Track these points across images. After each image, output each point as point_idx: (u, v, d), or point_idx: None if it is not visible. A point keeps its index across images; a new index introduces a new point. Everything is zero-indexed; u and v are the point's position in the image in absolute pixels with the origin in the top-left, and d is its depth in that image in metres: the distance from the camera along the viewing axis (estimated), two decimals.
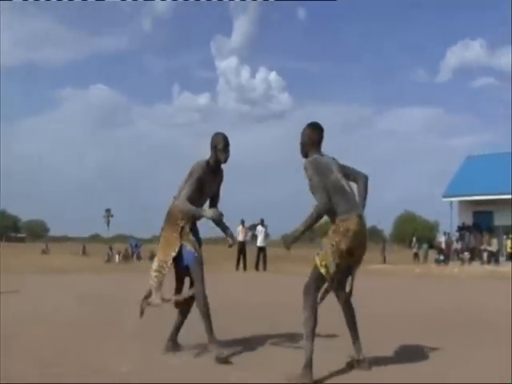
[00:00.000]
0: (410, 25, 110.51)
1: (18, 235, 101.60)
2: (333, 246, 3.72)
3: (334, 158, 4.05)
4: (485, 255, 26.77)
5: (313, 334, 3.69)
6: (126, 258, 27.91)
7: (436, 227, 67.79)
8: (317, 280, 3.75)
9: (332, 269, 3.72)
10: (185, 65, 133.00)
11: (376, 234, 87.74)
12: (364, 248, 3.89)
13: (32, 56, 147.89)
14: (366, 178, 4.10)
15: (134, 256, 28.86)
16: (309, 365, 3.61)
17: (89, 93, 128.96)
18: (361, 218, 3.82)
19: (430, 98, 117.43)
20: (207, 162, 4.45)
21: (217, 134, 4.52)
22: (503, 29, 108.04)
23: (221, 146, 4.44)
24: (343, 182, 3.90)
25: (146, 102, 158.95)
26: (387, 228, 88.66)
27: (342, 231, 3.73)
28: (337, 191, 3.82)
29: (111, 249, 28.53)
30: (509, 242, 27.22)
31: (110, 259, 26.86)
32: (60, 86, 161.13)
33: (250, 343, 4.88)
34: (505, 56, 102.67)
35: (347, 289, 4.00)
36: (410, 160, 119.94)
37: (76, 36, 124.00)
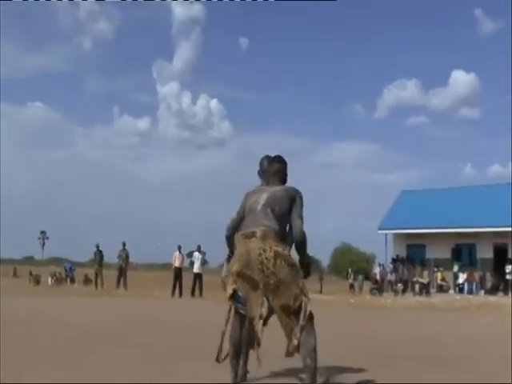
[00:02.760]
0: (350, 60, 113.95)
1: None
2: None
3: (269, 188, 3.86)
4: (417, 287, 27.67)
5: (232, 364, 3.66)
6: (60, 281, 27.22)
7: (372, 259, 69.36)
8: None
9: (228, 292, 3.58)
10: (125, 88, 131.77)
11: (315, 264, 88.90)
12: (258, 272, 3.40)
13: None
14: (297, 234, 3.65)
15: (68, 279, 28.17)
16: None
17: (25, 111, 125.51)
18: (246, 237, 3.49)
19: (367, 133, 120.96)
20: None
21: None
22: (436, 69, 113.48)
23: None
24: (259, 205, 3.64)
25: (84, 123, 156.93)
26: (325, 259, 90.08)
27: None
28: (247, 213, 3.71)
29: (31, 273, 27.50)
30: (439, 274, 28.30)
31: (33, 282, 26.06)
32: None
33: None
34: (436, 96, 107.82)
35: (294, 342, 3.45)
36: (347, 193, 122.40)
37: (15, 52, 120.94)
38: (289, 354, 3.51)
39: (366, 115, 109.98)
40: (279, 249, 3.39)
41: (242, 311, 3.58)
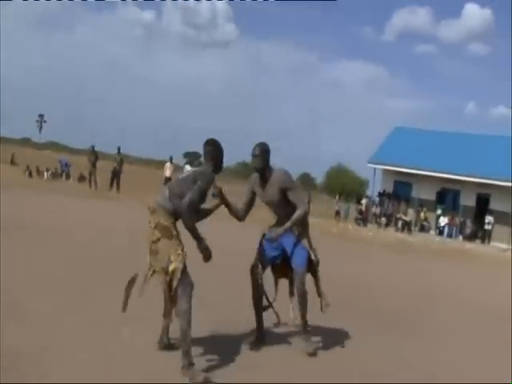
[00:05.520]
0: None
1: None
2: None
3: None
4: (400, 223, 28.51)
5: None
6: (55, 176, 27.85)
7: (366, 184, 69.90)
8: None
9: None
10: None
11: (307, 181, 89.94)
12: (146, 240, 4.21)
13: None
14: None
15: (64, 175, 28.74)
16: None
17: None
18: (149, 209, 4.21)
19: (374, 55, 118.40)
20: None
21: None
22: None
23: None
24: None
25: (90, 8, 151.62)
26: (320, 178, 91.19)
27: None
28: None
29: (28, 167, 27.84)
30: (422, 214, 29.14)
31: (31, 174, 26.59)
32: None
33: None
34: (447, 28, 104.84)
35: None
36: (349, 114, 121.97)
37: None
38: (166, 314, 4.23)
39: (374, 37, 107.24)
40: (160, 220, 4.11)
41: None
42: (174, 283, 4.01)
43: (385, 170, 31.83)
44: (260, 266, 4.86)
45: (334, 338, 5.41)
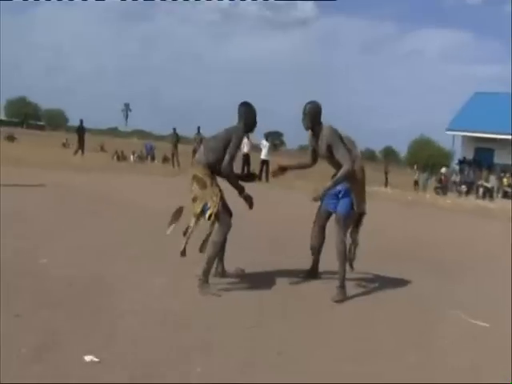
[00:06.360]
0: None
1: (38, 123, 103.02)
2: None
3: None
4: (481, 190, 27.95)
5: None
6: (141, 158, 29.58)
7: (452, 155, 67.72)
8: None
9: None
10: None
11: (392, 155, 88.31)
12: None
13: None
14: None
15: (149, 158, 30.47)
16: None
17: None
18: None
19: (458, 20, 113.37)
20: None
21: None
22: None
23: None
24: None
25: None
26: (403, 151, 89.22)
27: None
28: None
29: (117, 152, 29.64)
30: (505, 180, 28.33)
31: (119, 159, 28.32)
32: None
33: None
34: None
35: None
36: (433, 84, 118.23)
37: None
38: (201, 249, 4.97)
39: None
40: (196, 172, 4.88)
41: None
42: (214, 224, 4.84)
43: (465, 137, 31.19)
44: (320, 215, 5.43)
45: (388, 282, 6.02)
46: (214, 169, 4.89)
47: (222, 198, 4.87)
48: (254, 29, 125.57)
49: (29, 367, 3.04)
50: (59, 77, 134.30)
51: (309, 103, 5.17)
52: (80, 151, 25.07)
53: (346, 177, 4.96)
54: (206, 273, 4.80)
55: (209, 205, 4.79)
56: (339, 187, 5.09)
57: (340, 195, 5.14)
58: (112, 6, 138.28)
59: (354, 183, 5.10)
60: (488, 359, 3.95)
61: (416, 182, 31.72)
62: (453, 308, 5.12)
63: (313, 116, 5.13)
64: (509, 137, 28.02)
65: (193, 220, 4.96)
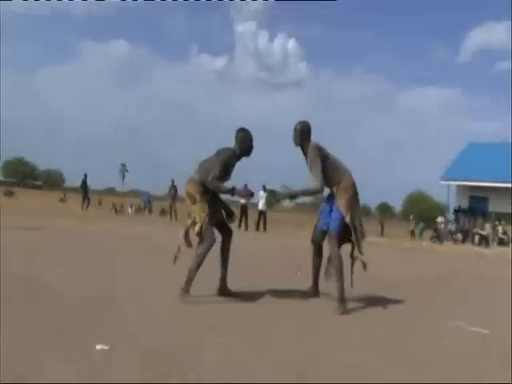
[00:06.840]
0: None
1: (35, 183, 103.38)
2: None
3: None
4: (477, 238, 28.01)
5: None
6: (139, 211, 29.73)
7: (447, 209, 68.07)
8: None
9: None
10: (204, 26, 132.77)
11: (387, 211, 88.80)
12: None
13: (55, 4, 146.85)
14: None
15: (146, 210, 30.62)
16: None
17: (108, 47, 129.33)
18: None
19: (449, 78, 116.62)
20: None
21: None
22: None
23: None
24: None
25: (164, 60, 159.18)
26: (398, 206, 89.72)
27: None
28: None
29: (114, 205, 29.74)
30: (500, 227, 28.50)
31: (117, 211, 28.41)
32: (81, 38, 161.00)
33: None
34: None
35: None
36: (424, 142, 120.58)
37: None
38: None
39: (449, 59, 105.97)
40: (189, 189, 5.20)
41: None
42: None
43: (459, 187, 31.61)
44: (316, 235, 5.59)
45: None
46: (207, 187, 5.19)
47: (210, 214, 5.14)
48: (249, 90, 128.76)
49: None
50: (56, 137, 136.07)
51: (299, 122, 5.46)
52: (86, 204, 24.92)
53: (308, 194, 5.50)
54: (188, 283, 5.05)
55: (197, 219, 5.10)
56: (329, 206, 5.38)
57: (332, 213, 5.32)
58: (110, 68, 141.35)
59: (346, 199, 5.26)
60: (488, 360, 4.00)
61: (412, 232, 31.85)
62: (453, 318, 5.21)
63: (302, 132, 5.39)
64: (503, 185, 28.44)
65: (182, 232, 5.28)
